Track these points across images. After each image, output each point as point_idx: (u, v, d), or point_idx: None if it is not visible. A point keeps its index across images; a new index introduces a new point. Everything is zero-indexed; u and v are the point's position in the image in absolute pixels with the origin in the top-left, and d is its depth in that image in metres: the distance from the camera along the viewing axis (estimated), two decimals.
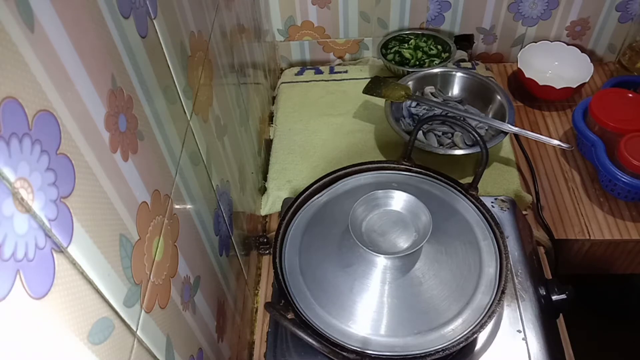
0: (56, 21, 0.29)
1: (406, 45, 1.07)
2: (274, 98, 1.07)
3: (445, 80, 0.97)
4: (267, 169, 0.93)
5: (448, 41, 1.05)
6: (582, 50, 1.04)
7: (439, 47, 1.06)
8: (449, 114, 0.88)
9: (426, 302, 0.57)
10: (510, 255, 0.67)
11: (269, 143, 0.97)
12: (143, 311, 0.38)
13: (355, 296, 0.58)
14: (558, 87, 0.97)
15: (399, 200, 0.61)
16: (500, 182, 0.87)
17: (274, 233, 0.69)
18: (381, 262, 0.59)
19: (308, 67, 1.12)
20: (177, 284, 0.46)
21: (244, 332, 0.72)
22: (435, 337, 0.55)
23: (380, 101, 0.96)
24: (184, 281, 0.48)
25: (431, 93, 0.96)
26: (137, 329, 0.37)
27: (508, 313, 0.63)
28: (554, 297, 0.66)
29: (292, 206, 0.66)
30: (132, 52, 0.38)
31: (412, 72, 0.97)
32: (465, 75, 0.95)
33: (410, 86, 0.95)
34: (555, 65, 1.06)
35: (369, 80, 0.95)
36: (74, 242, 0.29)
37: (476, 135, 0.66)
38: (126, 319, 0.35)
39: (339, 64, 1.14)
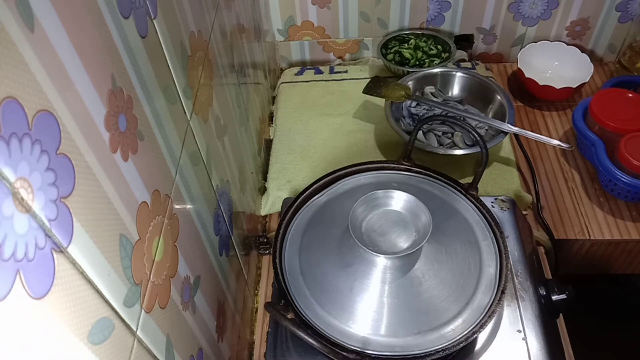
0: (56, 21, 0.29)
1: (406, 45, 1.07)
2: (274, 98, 1.07)
3: (445, 80, 0.97)
4: (267, 169, 0.93)
5: (448, 41, 1.05)
6: (582, 50, 1.04)
7: (439, 47, 1.06)
8: (449, 114, 0.88)
9: (426, 302, 0.57)
10: (510, 255, 0.67)
11: (269, 143, 0.97)
12: (143, 311, 0.38)
13: (355, 296, 0.58)
14: (558, 87, 0.97)
15: (399, 200, 0.61)
16: (500, 182, 0.87)
17: (274, 233, 0.69)
18: (381, 262, 0.59)
19: (308, 67, 1.12)
20: (177, 284, 0.46)
21: (244, 332, 0.72)
22: (435, 337, 0.55)
23: (380, 101, 0.96)
24: (184, 281, 0.48)
25: (431, 93, 0.96)
26: (137, 329, 0.37)
27: (508, 313, 0.63)
28: (554, 297, 0.66)
29: (292, 206, 0.66)
30: (132, 52, 0.38)
31: (412, 72, 0.97)
32: (465, 75, 0.95)
33: (410, 86, 0.95)
34: (555, 65, 1.06)
35: (369, 80, 0.95)
36: (74, 242, 0.29)
37: (476, 135, 0.66)
38: (126, 319, 0.35)
39: (339, 64, 1.14)
